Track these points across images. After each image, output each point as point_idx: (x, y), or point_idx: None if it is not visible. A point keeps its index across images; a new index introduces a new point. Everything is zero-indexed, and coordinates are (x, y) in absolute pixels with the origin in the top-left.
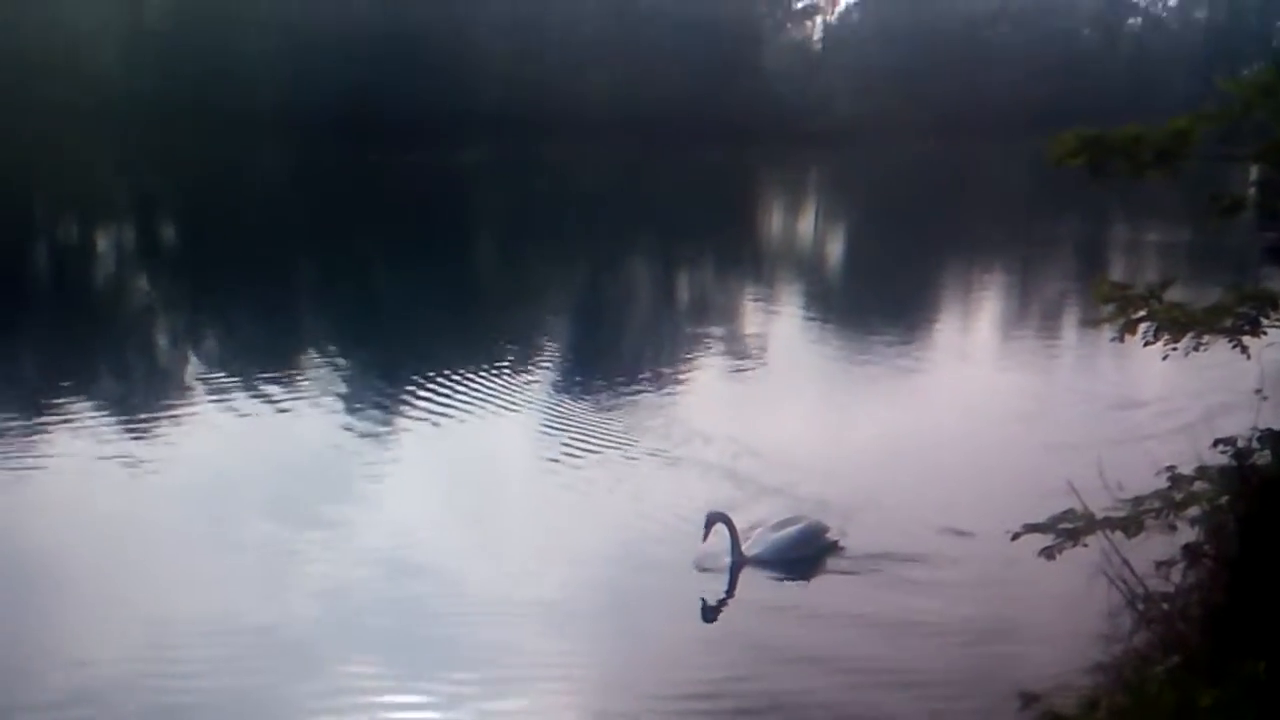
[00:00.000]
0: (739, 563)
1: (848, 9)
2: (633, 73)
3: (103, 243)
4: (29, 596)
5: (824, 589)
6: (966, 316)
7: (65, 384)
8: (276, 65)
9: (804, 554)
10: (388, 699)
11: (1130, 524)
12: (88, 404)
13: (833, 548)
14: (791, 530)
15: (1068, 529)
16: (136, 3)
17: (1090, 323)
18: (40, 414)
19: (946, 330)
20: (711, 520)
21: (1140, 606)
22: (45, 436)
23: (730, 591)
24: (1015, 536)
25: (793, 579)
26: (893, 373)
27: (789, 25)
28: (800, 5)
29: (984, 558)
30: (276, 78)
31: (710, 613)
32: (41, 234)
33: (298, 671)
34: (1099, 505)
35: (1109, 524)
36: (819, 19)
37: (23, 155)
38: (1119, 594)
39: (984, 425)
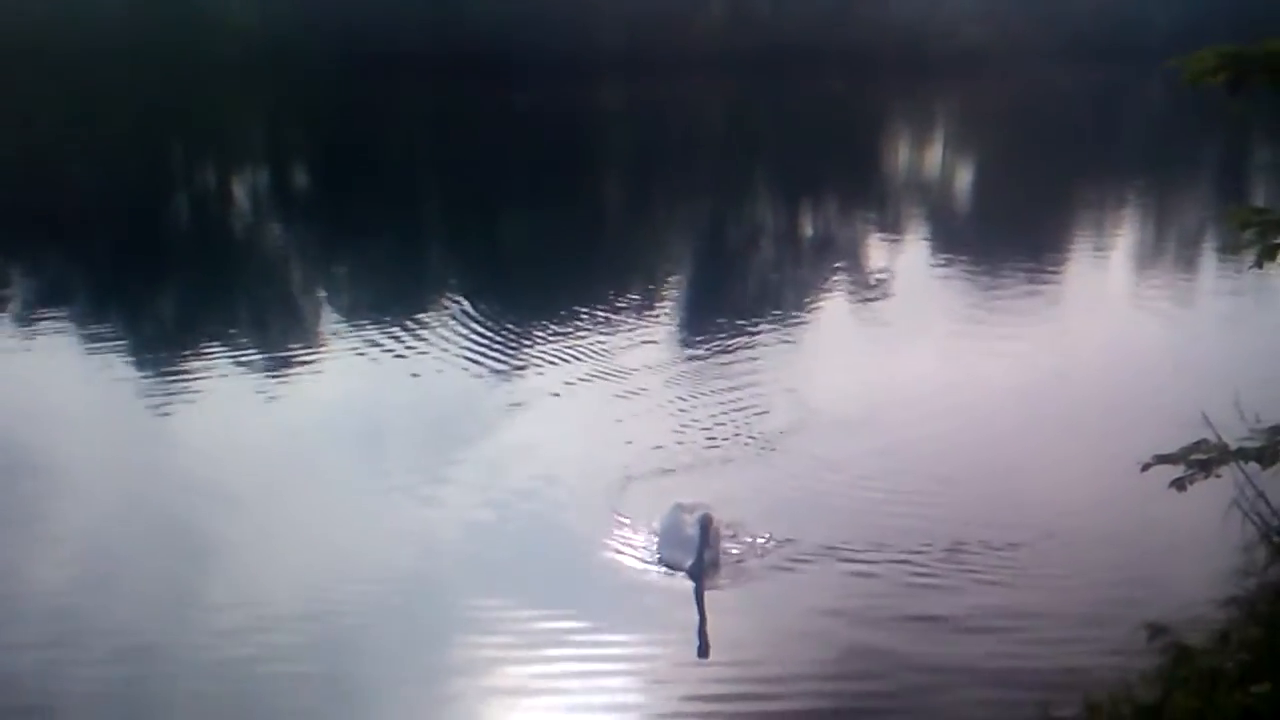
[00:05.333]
0: (702, 572)
1: None
2: (751, 5)
3: (252, 189)
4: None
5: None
6: (1099, 249)
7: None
8: (416, 9)
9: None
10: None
11: (1266, 454)
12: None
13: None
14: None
15: (1200, 459)
16: None
17: (1229, 250)
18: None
19: (1077, 265)
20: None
21: (1275, 539)
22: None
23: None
24: (1145, 467)
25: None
26: (1018, 308)
27: None
28: None
29: (1114, 495)
30: (416, 21)
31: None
32: (205, 181)
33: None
34: (1235, 437)
35: (1244, 454)
36: None
37: (181, 110)
38: (1253, 527)
39: (1111, 361)
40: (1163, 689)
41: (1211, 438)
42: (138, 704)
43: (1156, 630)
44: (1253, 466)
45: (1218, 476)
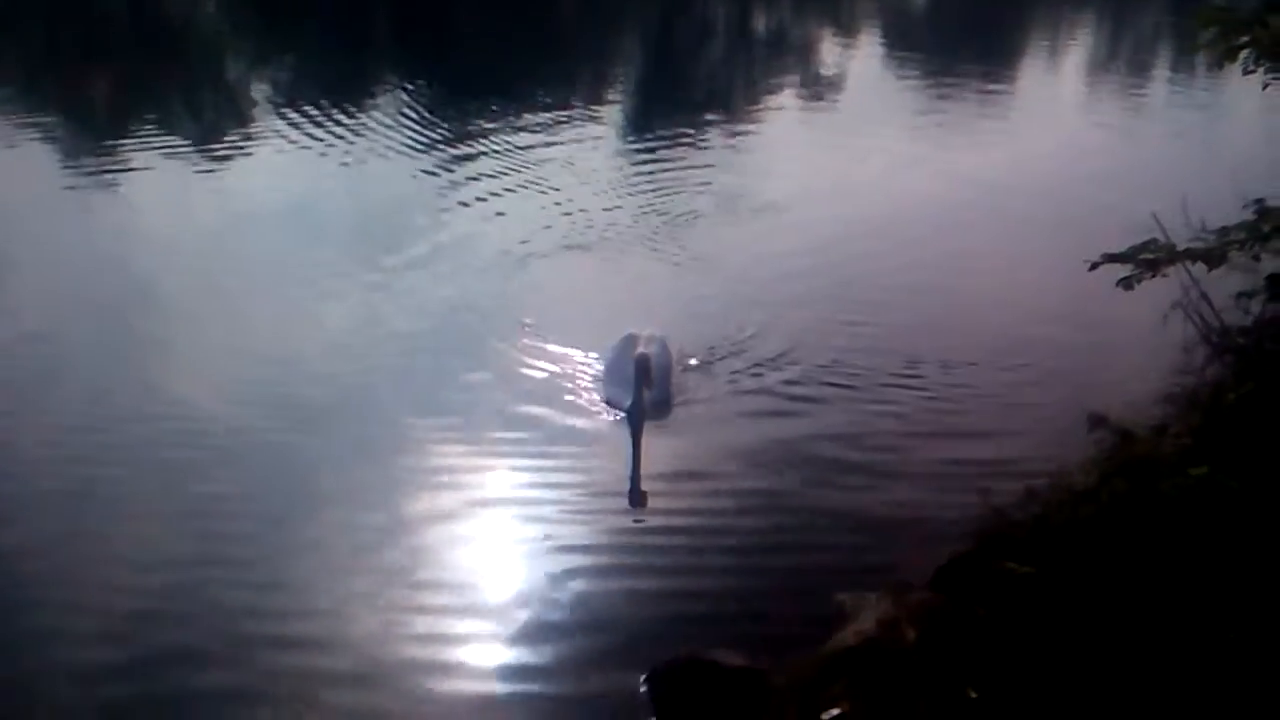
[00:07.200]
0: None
1: None
2: None
3: None
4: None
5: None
6: (1056, 53)
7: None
8: None
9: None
10: None
11: (1213, 255)
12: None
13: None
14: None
15: (1148, 259)
16: None
17: (1189, 49)
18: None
19: (1033, 66)
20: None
21: (1216, 339)
22: None
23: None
24: (1094, 266)
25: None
26: (973, 110)
27: None
28: None
29: (1063, 298)
30: None
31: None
32: None
33: None
34: (1183, 239)
35: (1191, 255)
36: None
37: None
38: (1195, 328)
39: (1064, 164)
40: (1100, 475)
41: (1160, 239)
42: (66, 507)
43: (1097, 420)
44: (1199, 268)
45: (1165, 276)
